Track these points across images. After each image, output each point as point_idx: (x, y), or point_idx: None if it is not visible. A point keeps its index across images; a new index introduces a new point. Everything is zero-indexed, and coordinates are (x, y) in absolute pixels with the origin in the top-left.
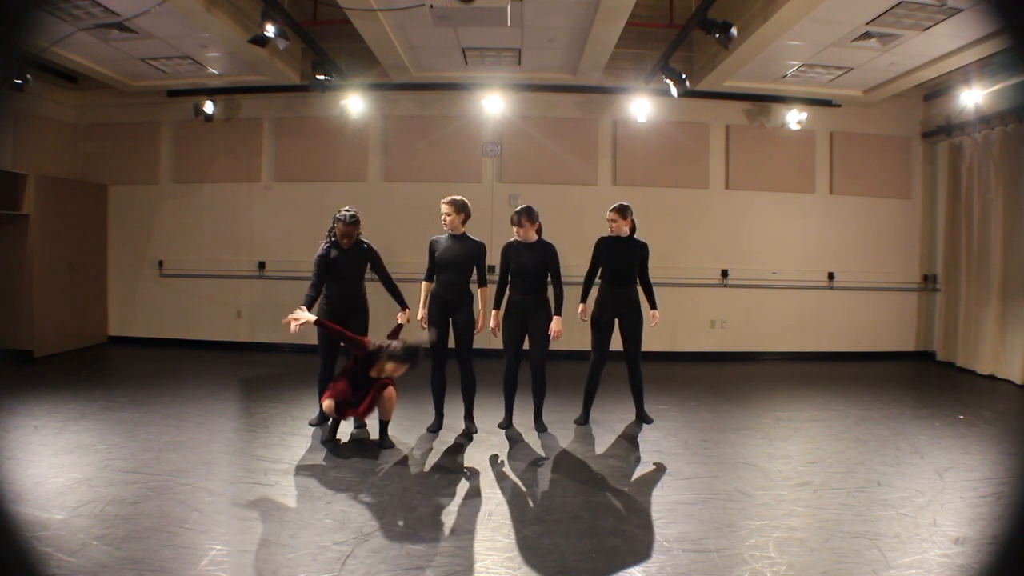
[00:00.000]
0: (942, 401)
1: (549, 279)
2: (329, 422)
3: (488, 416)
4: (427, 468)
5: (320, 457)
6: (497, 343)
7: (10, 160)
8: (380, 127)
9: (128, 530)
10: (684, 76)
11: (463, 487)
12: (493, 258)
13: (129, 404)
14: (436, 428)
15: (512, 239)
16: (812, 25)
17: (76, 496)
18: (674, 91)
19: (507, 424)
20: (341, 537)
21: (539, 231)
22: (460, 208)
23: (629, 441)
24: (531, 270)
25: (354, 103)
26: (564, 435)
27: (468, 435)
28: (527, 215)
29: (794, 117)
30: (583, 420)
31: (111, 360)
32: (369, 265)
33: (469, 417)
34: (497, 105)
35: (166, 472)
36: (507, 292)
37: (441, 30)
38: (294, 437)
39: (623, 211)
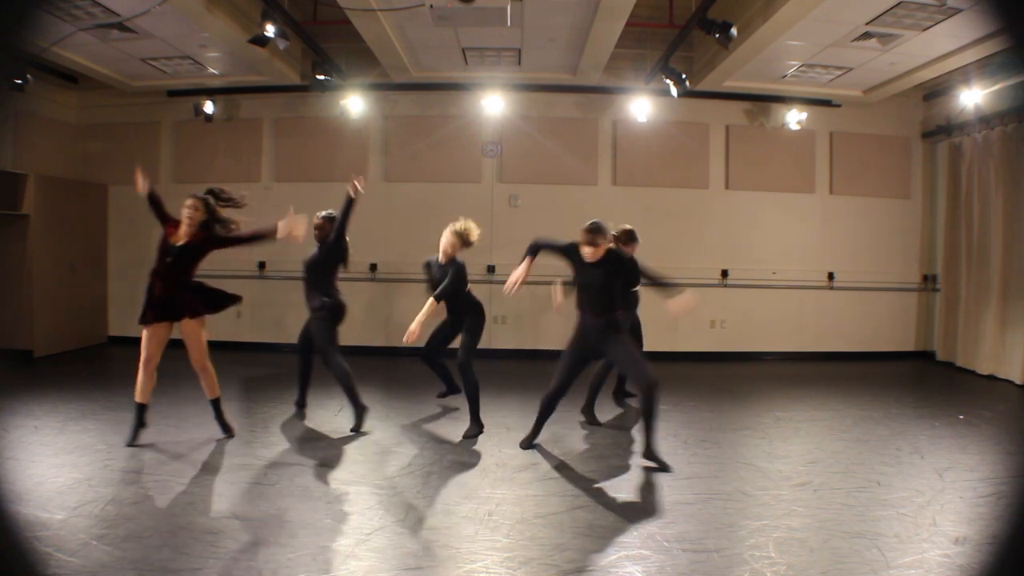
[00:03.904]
0: (942, 401)
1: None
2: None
3: (489, 416)
4: (427, 468)
5: (320, 457)
6: (500, 343)
7: (10, 160)
8: (380, 127)
9: (128, 530)
10: (684, 76)
11: (463, 487)
12: (496, 258)
13: (129, 404)
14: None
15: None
16: (812, 25)
17: (76, 496)
18: (674, 91)
19: (529, 444)
20: (341, 537)
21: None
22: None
23: (629, 441)
24: (600, 286)
25: (354, 103)
26: (564, 435)
27: (473, 436)
28: (601, 233)
29: (794, 117)
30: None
31: (111, 360)
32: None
33: (475, 419)
34: (497, 105)
35: (166, 472)
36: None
37: (441, 30)
38: (294, 437)
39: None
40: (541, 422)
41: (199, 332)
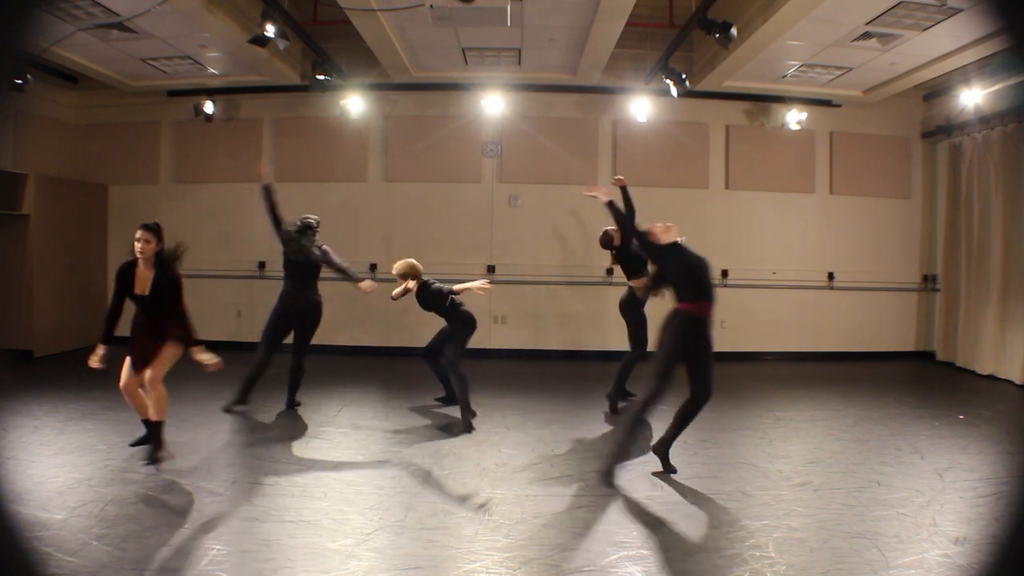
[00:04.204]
0: (942, 401)
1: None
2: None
3: (489, 416)
4: (427, 469)
5: (320, 457)
6: (501, 343)
7: (10, 160)
8: (380, 127)
9: (128, 530)
10: (684, 76)
11: (463, 488)
12: (496, 258)
13: (129, 404)
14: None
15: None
16: (812, 25)
17: (76, 496)
18: (674, 91)
19: (610, 473)
20: (341, 537)
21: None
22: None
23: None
24: (706, 265)
25: (354, 103)
26: (564, 435)
27: (468, 426)
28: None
29: (794, 117)
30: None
31: (111, 360)
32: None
33: (466, 409)
34: (497, 105)
35: (166, 472)
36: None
37: (441, 30)
38: (294, 437)
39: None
40: (632, 441)
41: (170, 358)
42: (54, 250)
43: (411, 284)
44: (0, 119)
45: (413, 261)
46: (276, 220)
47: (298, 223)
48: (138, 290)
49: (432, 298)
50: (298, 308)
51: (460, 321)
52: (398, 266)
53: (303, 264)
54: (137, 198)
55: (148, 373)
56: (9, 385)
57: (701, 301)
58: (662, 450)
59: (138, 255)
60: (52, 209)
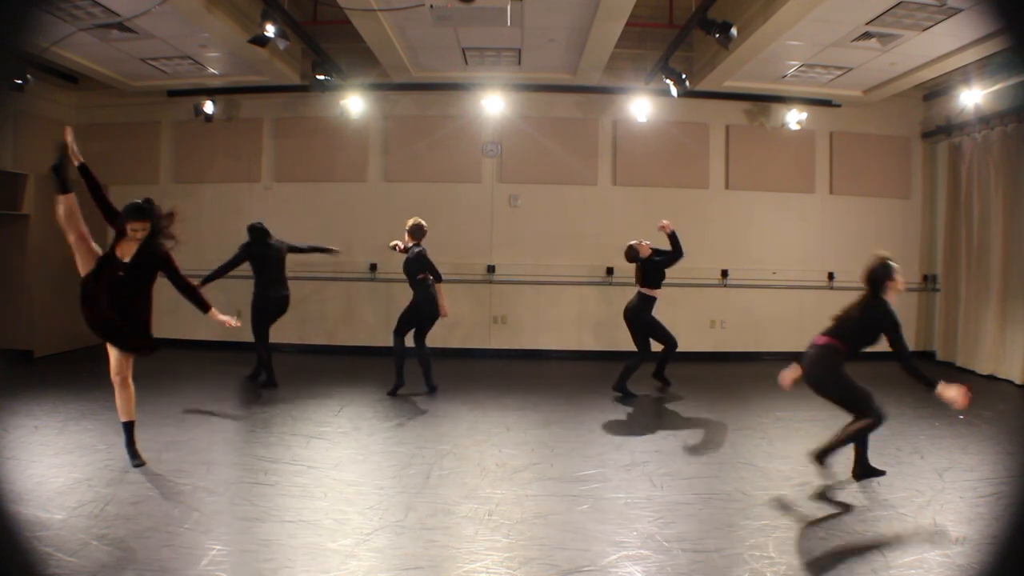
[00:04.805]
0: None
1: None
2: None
3: (488, 416)
4: (426, 469)
5: (319, 457)
6: (500, 343)
7: (10, 160)
8: (380, 127)
9: (128, 530)
10: (684, 76)
11: (463, 487)
12: (496, 258)
13: None
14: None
15: None
16: (812, 25)
17: (76, 496)
18: (674, 91)
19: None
20: (341, 537)
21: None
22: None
23: (630, 441)
24: None
25: (354, 103)
26: (564, 435)
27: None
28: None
29: (794, 117)
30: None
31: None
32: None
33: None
34: (497, 105)
35: (166, 472)
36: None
37: (441, 30)
38: (294, 437)
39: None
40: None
41: (129, 361)
42: (54, 250)
43: (408, 243)
44: (0, 119)
45: (424, 225)
46: (229, 268)
47: (249, 236)
48: (119, 253)
49: (416, 260)
50: (266, 302)
51: (424, 298)
52: (411, 222)
53: (268, 264)
54: (137, 198)
55: (118, 372)
56: (9, 385)
57: (851, 353)
58: (862, 469)
59: (133, 239)
60: (52, 209)
